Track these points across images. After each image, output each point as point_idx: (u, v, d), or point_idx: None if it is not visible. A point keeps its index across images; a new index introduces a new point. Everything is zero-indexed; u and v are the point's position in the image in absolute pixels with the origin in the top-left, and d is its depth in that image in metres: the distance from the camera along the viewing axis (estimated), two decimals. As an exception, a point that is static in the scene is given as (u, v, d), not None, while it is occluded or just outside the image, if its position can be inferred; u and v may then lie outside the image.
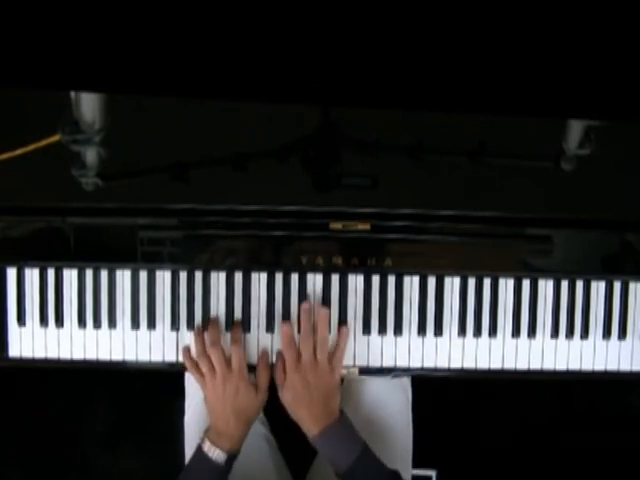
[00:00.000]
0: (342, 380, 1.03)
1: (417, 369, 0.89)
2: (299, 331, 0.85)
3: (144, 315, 0.87)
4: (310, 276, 0.87)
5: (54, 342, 0.87)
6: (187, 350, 0.86)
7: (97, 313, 0.86)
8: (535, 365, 0.89)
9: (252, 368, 0.86)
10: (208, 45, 0.90)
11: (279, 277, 0.87)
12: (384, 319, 0.87)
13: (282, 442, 1.00)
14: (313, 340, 0.83)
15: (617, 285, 0.89)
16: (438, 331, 0.88)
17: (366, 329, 0.87)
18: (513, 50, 0.91)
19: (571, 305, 0.89)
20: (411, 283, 0.87)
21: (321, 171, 0.82)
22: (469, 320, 0.88)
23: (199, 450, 0.81)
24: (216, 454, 0.80)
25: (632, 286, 0.89)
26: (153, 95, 0.84)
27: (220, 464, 0.80)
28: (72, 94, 0.82)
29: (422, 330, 0.87)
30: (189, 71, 0.89)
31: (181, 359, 0.86)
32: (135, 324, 0.87)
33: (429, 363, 0.88)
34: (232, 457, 0.81)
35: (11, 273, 0.86)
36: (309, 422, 0.81)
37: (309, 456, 0.99)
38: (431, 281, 0.87)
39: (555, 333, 0.89)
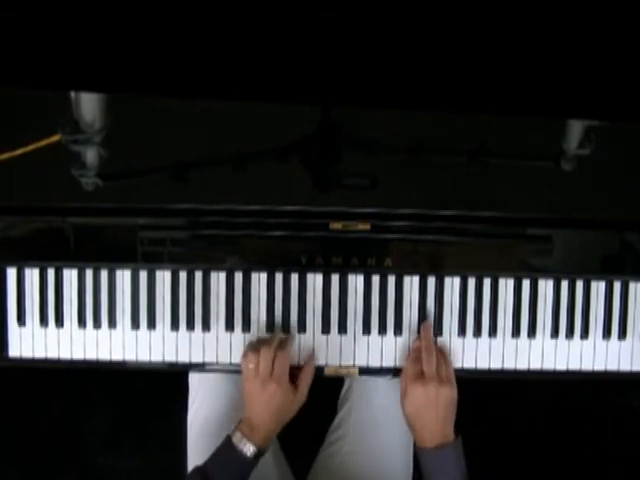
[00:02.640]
0: (343, 380, 1.03)
1: (417, 369, 0.88)
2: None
3: (144, 315, 0.87)
4: (310, 276, 0.87)
5: (54, 342, 0.87)
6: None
7: (97, 313, 0.86)
8: (535, 365, 0.89)
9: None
10: (208, 45, 0.90)
11: (279, 277, 0.87)
12: (384, 319, 0.87)
13: (284, 442, 1.00)
14: (436, 356, 0.83)
15: (617, 285, 0.89)
16: (438, 331, 0.88)
17: (366, 329, 0.87)
18: (513, 50, 0.91)
19: (571, 305, 0.89)
20: (411, 283, 0.87)
21: (321, 171, 0.82)
22: (469, 320, 0.88)
23: (228, 441, 0.80)
24: (246, 447, 0.79)
25: (632, 286, 0.89)
26: (153, 95, 0.84)
27: (249, 458, 0.79)
28: (72, 94, 0.82)
29: (422, 330, 0.88)
30: (189, 71, 0.89)
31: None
32: (135, 324, 0.87)
33: (429, 363, 0.88)
34: (261, 453, 0.81)
35: (11, 273, 0.86)
36: (424, 435, 0.81)
37: (311, 456, 0.99)
38: (431, 281, 0.87)
39: (555, 333, 0.89)
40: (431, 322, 0.87)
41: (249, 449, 0.79)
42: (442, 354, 0.86)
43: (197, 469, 0.79)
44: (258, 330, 0.87)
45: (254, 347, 0.83)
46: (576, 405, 1.47)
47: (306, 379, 0.85)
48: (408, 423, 0.84)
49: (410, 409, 0.82)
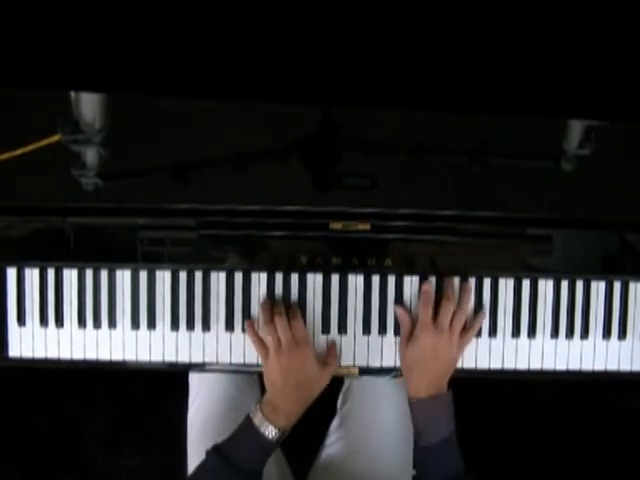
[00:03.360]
0: (343, 380, 1.03)
1: (417, 369, 0.88)
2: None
3: (144, 315, 0.87)
4: (310, 276, 0.87)
5: (54, 342, 0.87)
6: (252, 322, 0.85)
7: (97, 313, 0.86)
8: (535, 365, 0.89)
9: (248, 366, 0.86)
10: (208, 45, 0.91)
11: (279, 277, 0.87)
12: (384, 319, 0.87)
13: (284, 442, 0.99)
14: (454, 309, 0.83)
15: (617, 285, 0.89)
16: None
17: (366, 329, 0.87)
18: (513, 50, 0.91)
19: (571, 305, 0.89)
20: (411, 283, 0.87)
21: (321, 171, 0.82)
22: (469, 320, 0.88)
23: (248, 422, 0.78)
24: (268, 430, 0.77)
25: (632, 286, 0.89)
26: (153, 95, 0.84)
27: (271, 440, 0.77)
28: (72, 94, 0.82)
29: (422, 330, 0.87)
30: (189, 71, 0.90)
31: (246, 329, 0.85)
32: (135, 324, 0.87)
33: (429, 363, 0.88)
34: (283, 435, 0.79)
35: (11, 273, 0.86)
36: (419, 385, 0.80)
37: (310, 455, 0.99)
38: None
39: (555, 333, 0.89)
40: (456, 279, 0.86)
41: (271, 432, 0.77)
42: (474, 324, 0.85)
43: (215, 448, 0.77)
44: (258, 330, 0.87)
45: (264, 321, 0.82)
46: (576, 405, 1.47)
47: (334, 356, 0.85)
48: (405, 370, 0.83)
49: (414, 355, 0.81)
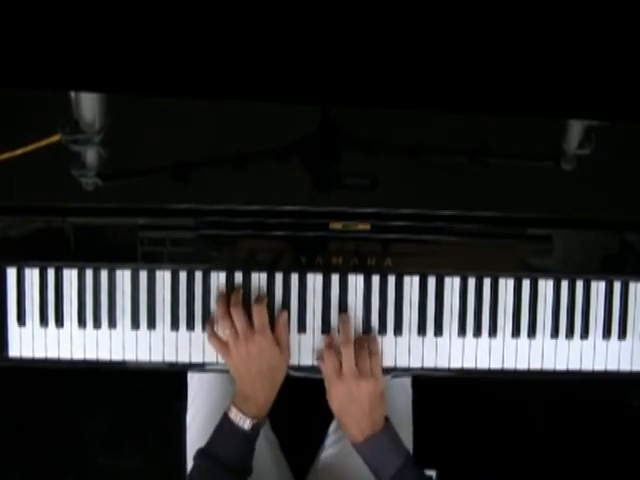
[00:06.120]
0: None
1: (417, 369, 0.89)
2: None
3: (144, 315, 0.87)
4: (310, 276, 0.87)
5: (54, 342, 0.87)
6: (211, 319, 0.86)
7: (97, 313, 0.86)
8: (535, 365, 0.89)
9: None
10: (208, 45, 0.91)
11: (279, 277, 0.87)
12: (384, 319, 0.87)
13: (283, 440, 1.00)
14: (354, 350, 0.82)
15: (617, 285, 0.89)
16: (438, 331, 0.88)
17: (366, 329, 0.87)
18: (513, 50, 0.91)
19: (571, 305, 0.89)
20: (411, 283, 0.87)
21: (321, 171, 0.82)
22: (469, 320, 0.88)
23: (225, 417, 0.80)
24: (242, 421, 0.79)
25: (632, 286, 0.89)
26: (153, 95, 0.84)
27: (247, 431, 0.79)
28: (72, 94, 0.82)
29: (422, 330, 0.88)
30: (189, 71, 0.90)
31: (206, 329, 0.85)
32: (135, 324, 0.87)
33: (429, 363, 0.88)
34: (259, 424, 0.81)
35: (11, 273, 0.86)
36: (354, 430, 0.81)
37: (310, 455, 0.99)
38: (431, 281, 0.87)
39: (555, 333, 0.89)
40: (349, 316, 0.86)
41: (246, 422, 0.79)
42: (370, 346, 0.85)
43: (201, 452, 0.79)
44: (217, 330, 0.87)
45: (220, 315, 0.83)
46: (576, 405, 1.47)
47: (282, 330, 0.84)
48: (337, 420, 0.84)
49: (335, 406, 0.82)
